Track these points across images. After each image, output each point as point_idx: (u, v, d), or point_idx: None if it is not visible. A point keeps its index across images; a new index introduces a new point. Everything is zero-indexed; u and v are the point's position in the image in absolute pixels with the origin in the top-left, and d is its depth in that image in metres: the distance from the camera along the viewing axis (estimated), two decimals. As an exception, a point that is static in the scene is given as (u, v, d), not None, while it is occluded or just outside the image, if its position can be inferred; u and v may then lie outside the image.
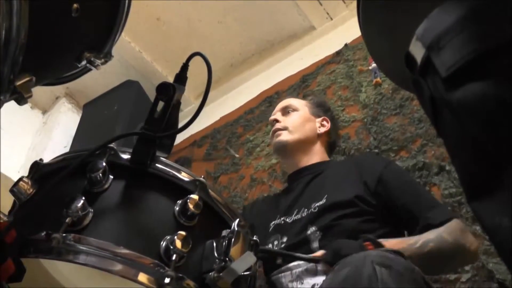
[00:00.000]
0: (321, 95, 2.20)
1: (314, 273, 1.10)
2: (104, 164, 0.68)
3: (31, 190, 0.69)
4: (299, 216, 1.27)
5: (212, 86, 0.80)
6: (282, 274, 1.16)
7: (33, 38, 0.62)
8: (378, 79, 2.06)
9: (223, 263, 0.64)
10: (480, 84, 0.41)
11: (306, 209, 1.27)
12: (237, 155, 2.31)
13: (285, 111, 1.56)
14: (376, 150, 1.85)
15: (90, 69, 0.86)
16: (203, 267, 0.66)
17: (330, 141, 1.57)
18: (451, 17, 0.45)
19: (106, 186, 0.68)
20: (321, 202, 1.25)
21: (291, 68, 2.55)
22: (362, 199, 1.22)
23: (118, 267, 0.60)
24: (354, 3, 0.95)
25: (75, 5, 0.72)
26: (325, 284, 0.91)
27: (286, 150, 1.48)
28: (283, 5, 2.60)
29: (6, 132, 2.45)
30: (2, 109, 0.65)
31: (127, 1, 0.85)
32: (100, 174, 0.67)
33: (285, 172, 1.85)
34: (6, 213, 0.69)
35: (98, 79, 2.82)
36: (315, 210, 1.24)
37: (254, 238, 0.76)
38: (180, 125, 0.77)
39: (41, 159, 0.77)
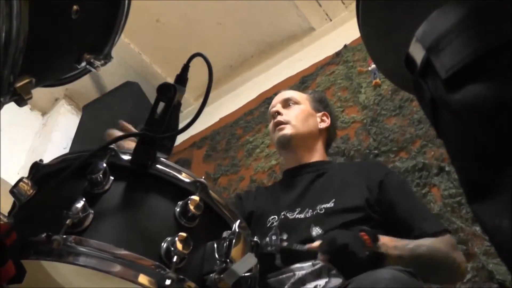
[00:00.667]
0: (320, 96, 2.20)
1: (317, 275, 1.09)
2: (104, 165, 0.68)
3: (31, 191, 0.69)
4: (302, 215, 1.26)
5: (212, 87, 0.80)
6: (285, 275, 1.15)
7: (33, 39, 0.62)
8: (378, 80, 2.06)
9: (224, 264, 0.64)
10: (480, 85, 0.41)
11: (310, 210, 1.26)
12: None
13: (286, 103, 1.53)
14: (376, 151, 1.85)
15: (89, 71, 0.86)
16: (204, 268, 0.65)
17: (329, 138, 1.57)
18: (451, 19, 0.45)
19: (107, 187, 0.68)
20: (328, 205, 1.24)
21: (290, 69, 2.56)
22: (370, 206, 1.23)
23: (119, 268, 0.60)
24: (354, 4, 0.95)
25: (75, 7, 0.73)
26: None
27: (290, 144, 1.46)
28: (282, 7, 2.61)
29: (5, 134, 2.45)
30: (1, 111, 0.65)
31: (126, 3, 0.85)
32: (101, 175, 0.67)
33: (285, 173, 1.84)
34: (6, 214, 0.69)
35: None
36: (321, 212, 1.24)
37: (255, 239, 0.76)
38: (180, 126, 0.77)
39: (41, 160, 0.77)
